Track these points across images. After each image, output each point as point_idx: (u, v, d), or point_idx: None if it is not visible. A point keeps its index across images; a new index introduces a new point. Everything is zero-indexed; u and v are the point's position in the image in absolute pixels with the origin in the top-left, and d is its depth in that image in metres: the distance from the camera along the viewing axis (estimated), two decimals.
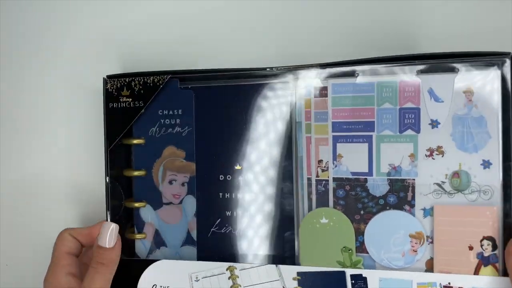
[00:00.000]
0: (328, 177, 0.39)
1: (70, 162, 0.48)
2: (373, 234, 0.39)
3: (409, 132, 0.38)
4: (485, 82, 0.36)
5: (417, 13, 0.42)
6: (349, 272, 0.38)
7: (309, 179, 0.40)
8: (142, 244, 0.43)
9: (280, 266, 0.39)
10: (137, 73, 0.42)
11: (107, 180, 0.41)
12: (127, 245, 0.42)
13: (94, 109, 0.46)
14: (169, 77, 0.41)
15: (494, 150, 0.36)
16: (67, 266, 0.39)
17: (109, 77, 0.42)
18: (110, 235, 0.39)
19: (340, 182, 0.39)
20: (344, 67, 0.38)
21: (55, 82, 0.48)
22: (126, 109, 0.41)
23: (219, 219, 0.41)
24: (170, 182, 0.42)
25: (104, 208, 0.41)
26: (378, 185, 0.38)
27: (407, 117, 0.38)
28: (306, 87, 0.39)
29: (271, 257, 0.40)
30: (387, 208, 0.38)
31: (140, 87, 0.41)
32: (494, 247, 0.36)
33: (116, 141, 0.41)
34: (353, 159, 0.39)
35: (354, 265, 0.39)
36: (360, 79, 0.38)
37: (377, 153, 0.38)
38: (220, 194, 0.41)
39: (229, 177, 0.41)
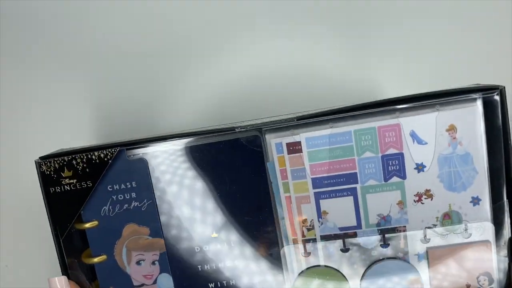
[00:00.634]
0: (315, 235, 0.36)
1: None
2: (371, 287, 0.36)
3: (395, 179, 0.35)
4: (468, 117, 0.33)
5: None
6: None
7: (295, 240, 0.36)
8: None
9: None
10: (74, 150, 0.36)
11: (70, 274, 0.36)
12: None
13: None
14: (118, 149, 0.35)
15: (482, 185, 0.34)
16: None
17: (42, 158, 0.35)
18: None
19: (328, 239, 0.36)
20: (316, 118, 0.34)
21: None
22: (72, 192, 0.35)
23: None
24: (138, 263, 0.37)
25: None
26: (368, 237, 0.36)
27: (390, 164, 0.34)
28: (276, 144, 0.35)
29: None
30: (381, 258, 0.36)
31: (84, 165, 0.35)
32: (491, 281, 0.35)
33: (68, 229, 0.36)
34: (339, 214, 0.35)
35: None
36: (334, 130, 0.34)
37: (363, 205, 0.35)
38: (199, 266, 0.36)
39: (206, 247, 0.36)
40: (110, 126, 0.44)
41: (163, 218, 0.36)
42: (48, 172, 0.35)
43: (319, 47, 0.40)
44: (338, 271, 0.36)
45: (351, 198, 0.35)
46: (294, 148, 0.35)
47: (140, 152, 0.36)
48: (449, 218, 0.35)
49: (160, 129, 0.40)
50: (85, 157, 0.35)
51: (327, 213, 0.35)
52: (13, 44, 0.44)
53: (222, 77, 0.42)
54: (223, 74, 0.42)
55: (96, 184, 0.35)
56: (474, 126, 0.33)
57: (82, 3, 0.43)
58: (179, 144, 0.35)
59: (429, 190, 0.35)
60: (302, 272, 0.36)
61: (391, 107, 0.34)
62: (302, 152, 0.35)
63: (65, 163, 0.35)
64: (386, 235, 0.35)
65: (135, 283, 0.37)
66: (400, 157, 0.34)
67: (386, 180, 0.35)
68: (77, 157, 0.35)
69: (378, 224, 0.35)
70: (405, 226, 0.35)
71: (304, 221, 0.36)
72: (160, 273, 0.37)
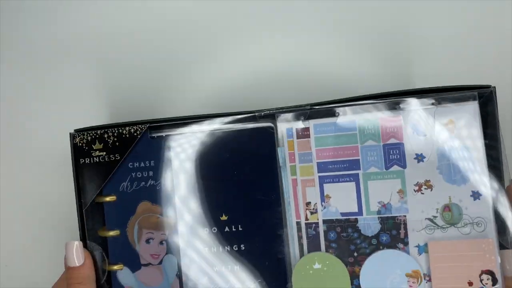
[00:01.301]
0: (318, 220, 0.37)
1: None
2: (369, 277, 0.36)
3: (396, 168, 0.36)
4: (466, 115, 0.35)
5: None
6: None
7: (298, 223, 0.37)
8: None
9: None
10: (107, 125, 0.39)
11: (88, 244, 0.37)
12: None
13: (61, 168, 0.44)
14: (147, 126, 0.38)
15: (483, 180, 0.35)
16: None
17: (77, 131, 0.39)
18: (76, 253, 0.36)
19: (330, 224, 0.37)
20: (326, 107, 0.37)
21: (19, 141, 0.46)
22: (100, 163, 0.38)
23: (206, 277, 0.37)
24: (147, 241, 0.38)
25: None
26: (369, 225, 0.36)
27: (391, 153, 0.36)
28: (287, 129, 0.38)
29: None
30: (381, 247, 0.36)
31: (115, 139, 0.38)
32: (494, 281, 0.34)
33: (93, 199, 0.38)
34: (341, 199, 0.37)
35: None
36: (341, 119, 0.37)
37: (365, 191, 0.36)
38: (206, 248, 0.37)
39: (214, 229, 0.37)
40: (124, 109, 0.45)
41: (175, 199, 0.38)
42: (80, 144, 0.39)
43: (326, 42, 0.43)
44: (338, 257, 0.37)
45: (353, 183, 0.37)
46: (303, 133, 0.38)
47: (161, 133, 0.39)
48: (449, 210, 0.35)
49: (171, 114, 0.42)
50: (116, 131, 0.38)
51: (330, 197, 0.37)
52: (32, 31, 0.46)
53: (236, 69, 0.44)
54: (238, 65, 0.44)
55: (124, 157, 0.38)
56: (471, 122, 0.35)
57: None
58: (198, 128, 0.38)
59: (429, 180, 0.36)
60: (303, 256, 0.37)
61: (394, 99, 0.36)
62: (310, 137, 0.38)
63: (97, 136, 0.38)
64: (387, 224, 0.36)
65: (142, 262, 0.38)
66: (400, 146, 0.36)
67: (387, 168, 0.36)
68: (109, 131, 0.38)
69: (378, 212, 0.36)
70: (405, 216, 0.36)
71: (308, 204, 0.37)
72: (166, 253, 0.38)
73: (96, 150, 0.38)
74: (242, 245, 0.37)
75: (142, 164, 0.38)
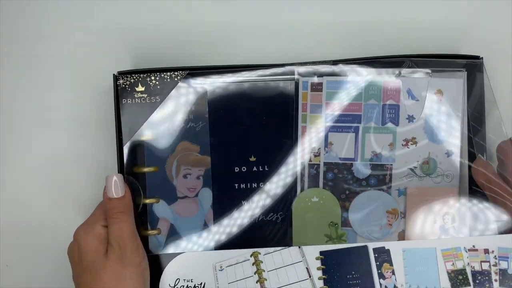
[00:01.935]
0: (320, 162, 0.43)
1: (79, 161, 0.45)
2: (356, 211, 0.43)
3: (390, 125, 0.43)
4: (452, 85, 0.42)
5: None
6: (371, 246, 0.40)
7: (302, 163, 0.43)
8: (156, 239, 0.41)
9: (303, 247, 0.40)
10: (148, 69, 0.41)
11: (125, 178, 0.40)
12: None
13: (101, 107, 0.44)
14: (187, 73, 0.41)
15: (456, 142, 0.42)
16: (102, 220, 0.38)
17: (120, 73, 0.41)
18: (115, 185, 0.38)
19: (329, 166, 0.43)
20: (346, 65, 0.42)
21: (61, 80, 0.45)
22: (142, 105, 0.40)
23: (235, 209, 0.42)
24: (185, 176, 0.41)
25: None
26: (361, 169, 0.43)
27: (388, 112, 0.43)
28: (303, 82, 0.43)
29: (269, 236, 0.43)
30: (368, 188, 0.43)
31: (157, 82, 0.40)
32: (453, 220, 0.42)
33: (132, 137, 0.40)
34: (341, 146, 0.43)
35: (339, 237, 0.43)
36: (350, 78, 0.42)
37: (362, 142, 0.43)
38: (236, 185, 0.42)
39: (244, 169, 0.42)
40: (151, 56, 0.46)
41: (212, 140, 0.42)
42: (123, 86, 0.40)
43: None
44: (332, 193, 0.43)
45: (353, 134, 0.43)
46: (317, 87, 0.43)
47: (201, 80, 0.42)
48: (427, 163, 0.43)
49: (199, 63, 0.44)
50: (158, 75, 0.41)
51: (332, 144, 0.43)
52: None
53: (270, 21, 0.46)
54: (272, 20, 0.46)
55: (164, 100, 0.40)
56: (457, 94, 0.42)
57: None
58: (231, 78, 0.41)
59: (415, 138, 0.43)
60: (304, 190, 0.43)
61: (396, 69, 0.42)
62: (322, 91, 0.43)
63: (140, 78, 0.40)
64: (376, 170, 0.43)
65: (179, 195, 0.42)
66: (396, 107, 0.43)
67: (383, 124, 0.43)
68: (151, 75, 0.40)
69: (371, 159, 0.43)
70: (391, 164, 0.43)
71: (313, 148, 0.43)
72: (203, 187, 0.42)
73: (138, 92, 0.40)
74: (267, 183, 0.42)
75: (183, 108, 0.41)
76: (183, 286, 0.39)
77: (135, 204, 0.40)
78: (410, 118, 0.42)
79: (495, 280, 0.39)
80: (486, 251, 0.39)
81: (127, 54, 0.45)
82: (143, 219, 0.41)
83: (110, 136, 0.41)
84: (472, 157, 0.41)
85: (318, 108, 0.43)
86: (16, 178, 0.45)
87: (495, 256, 0.39)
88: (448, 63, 0.41)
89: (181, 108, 0.41)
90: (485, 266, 0.39)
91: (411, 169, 0.42)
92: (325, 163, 0.43)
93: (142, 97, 0.40)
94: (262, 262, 0.39)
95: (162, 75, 0.40)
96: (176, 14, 0.45)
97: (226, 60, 0.43)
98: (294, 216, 0.42)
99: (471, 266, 0.39)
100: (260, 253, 0.40)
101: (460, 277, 0.39)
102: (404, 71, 0.42)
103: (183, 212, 0.41)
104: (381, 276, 0.39)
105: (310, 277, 0.39)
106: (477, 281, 0.39)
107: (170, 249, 0.41)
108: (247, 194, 0.42)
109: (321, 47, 0.45)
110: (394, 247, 0.39)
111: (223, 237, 0.41)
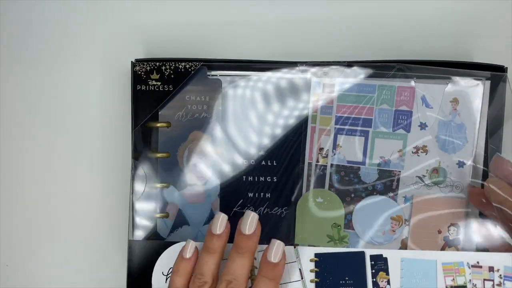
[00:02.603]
0: (327, 163, 0.43)
1: (93, 153, 0.46)
2: (360, 215, 0.42)
3: (401, 131, 0.41)
4: (470, 95, 0.40)
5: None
6: (369, 252, 0.39)
7: (309, 164, 0.43)
8: (164, 223, 0.42)
9: (298, 247, 0.40)
10: (166, 58, 0.42)
11: (132, 163, 0.41)
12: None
13: (120, 93, 0.45)
14: (201, 64, 0.41)
15: (469, 153, 0.41)
16: None
17: (138, 60, 0.42)
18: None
19: (336, 168, 0.42)
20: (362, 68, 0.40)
21: (81, 67, 0.46)
22: (155, 92, 0.41)
23: (241, 200, 0.42)
24: (195, 165, 0.42)
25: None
26: (369, 174, 0.42)
27: (400, 118, 0.41)
28: (316, 82, 0.42)
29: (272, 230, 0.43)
30: (374, 193, 0.42)
31: (171, 72, 0.41)
32: (459, 232, 0.41)
33: (142, 122, 0.41)
34: (350, 149, 0.42)
35: (341, 239, 0.43)
36: (364, 81, 0.41)
37: (371, 146, 0.42)
38: (244, 177, 0.42)
39: (252, 162, 0.42)
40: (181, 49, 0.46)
41: (224, 131, 0.42)
42: (139, 72, 0.41)
43: None
44: (338, 196, 0.43)
45: (363, 138, 0.42)
46: (329, 88, 0.42)
47: (217, 73, 0.42)
48: (436, 172, 0.41)
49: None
50: (173, 65, 0.41)
51: (341, 146, 0.42)
52: None
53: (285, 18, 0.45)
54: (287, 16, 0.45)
55: (176, 89, 0.41)
56: (473, 103, 0.40)
57: None
58: (247, 72, 0.41)
59: (426, 146, 0.41)
60: (309, 190, 0.43)
61: (411, 73, 0.40)
62: (334, 93, 0.42)
63: (155, 67, 0.41)
64: (383, 175, 0.42)
65: (188, 182, 0.43)
66: (409, 114, 0.41)
67: (394, 130, 0.41)
68: (166, 64, 0.41)
69: (379, 164, 0.42)
70: (400, 171, 0.42)
71: (321, 149, 0.43)
72: (211, 176, 0.43)
73: (153, 79, 0.41)
74: (274, 178, 0.42)
75: (198, 98, 0.42)
76: None
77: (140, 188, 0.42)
78: (423, 126, 0.41)
79: None
80: (491, 268, 0.38)
81: (145, 52, 0.45)
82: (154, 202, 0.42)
83: (125, 122, 0.42)
84: (485, 171, 0.40)
85: (328, 109, 0.42)
86: (16, 177, 0.46)
87: (500, 275, 0.38)
88: (468, 72, 0.39)
89: (195, 99, 0.42)
90: (488, 285, 0.37)
91: (420, 177, 0.41)
92: (332, 165, 0.42)
93: (156, 84, 0.41)
94: (255, 259, 0.39)
95: (177, 65, 0.41)
96: (192, 12, 0.45)
97: (240, 56, 0.43)
98: (298, 214, 0.42)
99: (473, 284, 0.38)
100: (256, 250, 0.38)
101: None
102: (419, 77, 0.40)
103: (191, 199, 0.43)
104: (375, 285, 0.38)
105: (302, 279, 0.39)
106: None
107: (176, 233, 0.42)
108: (253, 187, 0.42)
109: (336, 47, 0.44)
110: (393, 256, 0.38)
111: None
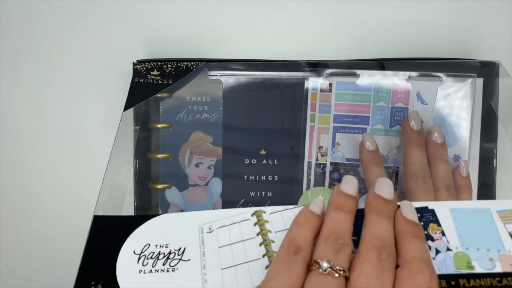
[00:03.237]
0: (326, 161, 0.43)
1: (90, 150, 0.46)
2: (359, 210, 0.42)
3: (398, 127, 0.42)
4: (463, 91, 0.41)
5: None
6: (415, 205, 0.30)
7: (309, 162, 0.43)
8: None
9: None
10: (168, 59, 0.41)
11: (135, 163, 0.41)
12: None
13: (120, 93, 0.44)
14: (204, 63, 0.40)
15: (464, 148, 0.41)
16: None
17: (139, 61, 0.41)
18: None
19: (336, 166, 0.43)
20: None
21: (81, 68, 0.45)
22: (153, 84, 0.40)
23: (243, 199, 0.42)
24: (197, 165, 0.42)
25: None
26: None
27: (397, 115, 0.42)
28: (314, 82, 0.42)
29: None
30: None
31: (172, 69, 0.40)
32: None
33: (132, 106, 0.38)
34: (348, 147, 0.42)
35: None
36: (360, 80, 0.42)
37: None
38: (245, 176, 0.42)
39: (254, 161, 0.42)
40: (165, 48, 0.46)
41: (225, 131, 0.42)
42: (139, 70, 0.41)
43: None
44: None
45: (360, 135, 0.42)
46: (327, 88, 0.43)
47: (217, 73, 0.42)
48: None
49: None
50: (175, 64, 0.41)
51: (340, 144, 0.43)
52: None
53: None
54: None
55: (175, 83, 0.40)
56: (466, 99, 0.41)
57: None
58: (248, 73, 0.42)
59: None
60: (309, 188, 0.43)
61: (406, 72, 0.41)
62: (331, 92, 0.42)
63: (156, 66, 0.41)
64: None
65: (190, 183, 0.42)
66: (405, 110, 0.42)
67: (391, 127, 0.42)
68: (168, 63, 0.41)
69: None
70: (397, 167, 0.42)
71: (320, 148, 0.43)
72: (213, 177, 0.42)
73: (152, 75, 0.40)
74: (275, 177, 0.42)
75: (199, 99, 0.42)
76: (153, 253, 0.28)
77: (142, 188, 0.41)
78: None
79: None
80: None
81: (146, 52, 0.45)
82: (155, 203, 0.42)
83: (127, 122, 0.41)
84: (482, 162, 0.40)
85: (327, 108, 0.42)
86: (17, 177, 0.46)
87: None
88: (461, 67, 0.40)
89: (196, 99, 0.42)
90: None
91: None
92: (331, 163, 0.42)
93: (155, 78, 0.40)
94: (267, 222, 0.30)
95: (179, 64, 0.40)
96: (192, 12, 0.45)
97: (240, 57, 0.43)
98: None
99: None
100: (264, 212, 0.31)
101: None
102: (414, 74, 0.41)
103: (193, 199, 0.42)
104: (429, 237, 0.30)
105: None
106: None
107: None
108: (255, 186, 0.42)
109: (333, 47, 0.45)
110: (439, 207, 0.30)
111: None
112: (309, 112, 0.42)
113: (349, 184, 0.30)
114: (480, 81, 0.40)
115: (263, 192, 0.42)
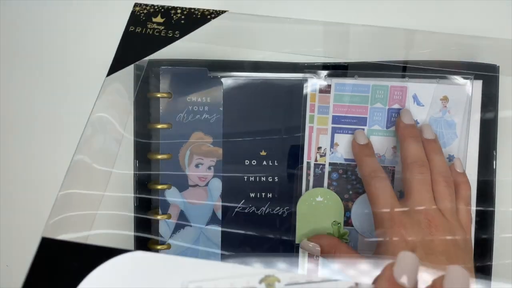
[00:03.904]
0: (325, 162, 0.43)
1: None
2: (358, 211, 0.43)
3: (394, 128, 0.42)
4: (459, 93, 0.42)
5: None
6: None
7: (308, 163, 0.43)
8: (166, 224, 0.41)
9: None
10: (178, 7, 0.32)
11: (135, 163, 0.40)
12: (151, 226, 0.41)
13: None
14: (227, 11, 0.32)
15: (459, 148, 0.42)
16: None
17: (139, 4, 0.32)
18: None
19: (334, 166, 0.43)
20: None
21: (82, 67, 0.45)
22: (153, 36, 0.30)
23: (243, 200, 0.42)
24: (197, 166, 0.42)
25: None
26: None
27: (393, 116, 0.42)
28: (313, 83, 0.42)
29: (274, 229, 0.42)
30: None
31: (182, 17, 0.32)
32: None
33: (120, 67, 0.30)
34: (347, 147, 0.43)
35: (341, 237, 0.43)
36: (358, 81, 0.42)
37: None
38: (245, 177, 0.42)
39: (254, 162, 0.42)
40: None
41: (225, 132, 0.42)
42: (138, 13, 0.32)
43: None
44: (336, 193, 0.43)
45: None
46: (325, 89, 0.43)
47: (218, 73, 0.41)
48: None
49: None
50: (187, 10, 0.32)
51: (338, 145, 0.43)
52: None
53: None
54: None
55: (185, 36, 0.31)
56: (462, 101, 0.42)
57: None
58: (249, 74, 0.41)
59: None
60: (309, 189, 0.43)
61: (403, 73, 0.42)
62: (330, 93, 0.43)
63: (162, 10, 0.32)
64: None
65: (190, 183, 0.42)
66: None
67: (387, 127, 0.42)
68: (178, 9, 0.32)
69: None
70: (394, 167, 0.42)
71: (319, 148, 0.43)
72: (213, 177, 0.42)
73: (154, 22, 0.31)
74: (275, 178, 0.42)
75: (199, 99, 0.41)
76: None
77: (142, 189, 0.40)
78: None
79: None
80: None
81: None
82: (156, 204, 0.41)
83: (127, 123, 0.40)
84: (481, 163, 0.41)
85: (325, 109, 0.42)
86: (17, 177, 0.45)
87: None
88: (458, 70, 0.41)
89: (197, 100, 0.41)
90: None
91: None
92: (330, 164, 0.42)
93: (157, 28, 0.31)
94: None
95: (192, 10, 0.31)
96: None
97: (240, 57, 0.43)
98: (299, 213, 0.42)
99: None
100: (278, 281, 0.21)
101: None
102: (411, 75, 0.41)
103: (193, 200, 0.42)
104: None
105: None
106: None
107: (178, 234, 0.41)
108: (255, 187, 0.42)
109: (335, 47, 0.45)
110: None
111: (230, 226, 0.41)
112: (308, 113, 0.42)
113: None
114: (479, 83, 0.41)
115: (263, 193, 0.42)
